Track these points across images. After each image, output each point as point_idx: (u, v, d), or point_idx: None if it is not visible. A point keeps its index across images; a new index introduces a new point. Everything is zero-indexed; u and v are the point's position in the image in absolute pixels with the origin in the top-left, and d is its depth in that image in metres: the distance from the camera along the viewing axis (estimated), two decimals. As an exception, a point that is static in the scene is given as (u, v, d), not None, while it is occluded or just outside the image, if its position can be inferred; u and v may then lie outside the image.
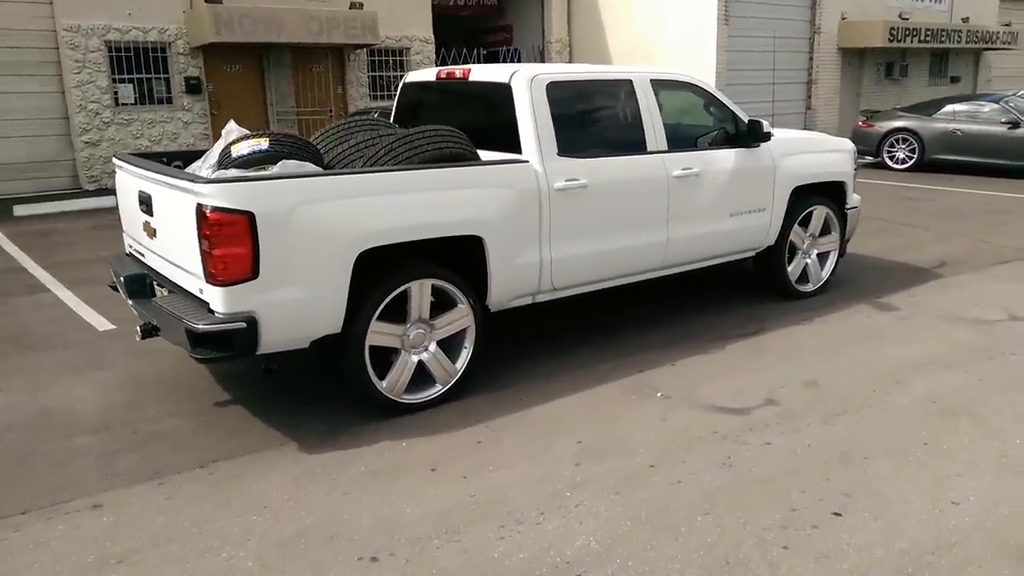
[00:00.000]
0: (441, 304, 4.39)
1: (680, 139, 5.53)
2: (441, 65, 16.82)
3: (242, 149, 4.37)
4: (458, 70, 5.23)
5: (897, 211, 10.47)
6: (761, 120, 5.69)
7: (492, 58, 17.71)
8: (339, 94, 14.72)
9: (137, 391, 4.68)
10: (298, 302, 3.82)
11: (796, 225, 6.18)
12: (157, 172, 4.04)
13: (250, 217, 3.62)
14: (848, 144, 6.64)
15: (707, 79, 15.63)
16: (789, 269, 6.25)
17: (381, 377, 4.20)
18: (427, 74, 5.56)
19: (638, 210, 5.14)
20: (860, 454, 3.68)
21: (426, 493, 3.44)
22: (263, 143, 4.35)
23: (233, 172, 4.11)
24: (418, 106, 5.70)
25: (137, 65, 12.55)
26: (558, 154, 4.74)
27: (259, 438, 4.07)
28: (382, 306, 4.10)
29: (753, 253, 6.09)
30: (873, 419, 4.06)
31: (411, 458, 3.79)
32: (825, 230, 6.49)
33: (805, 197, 6.22)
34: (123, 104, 12.51)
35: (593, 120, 5.11)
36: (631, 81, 5.21)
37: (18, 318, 6.18)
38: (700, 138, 5.66)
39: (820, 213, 6.33)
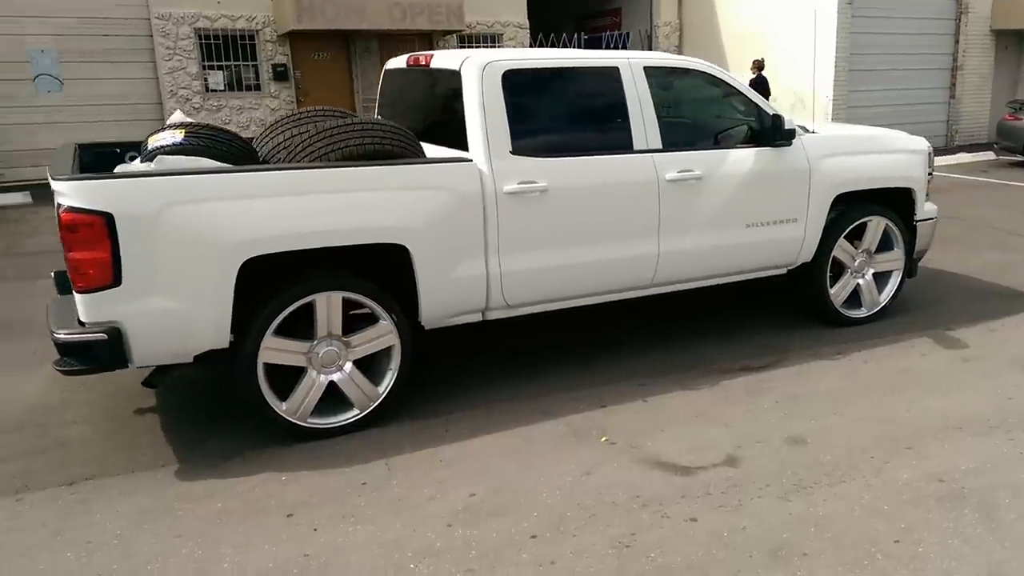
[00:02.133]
0: (368, 319, 3.91)
1: (686, 136, 4.73)
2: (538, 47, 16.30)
3: (160, 140, 4.05)
4: (424, 56, 4.69)
5: (1027, 221, 8.94)
6: (782, 115, 4.77)
7: (594, 43, 16.92)
8: (428, 81, 14.44)
9: (73, 391, 4.50)
10: (171, 313, 3.44)
11: (842, 239, 5.21)
12: (50, 166, 3.78)
13: (108, 218, 3.26)
14: (920, 143, 5.53)
15: (826, 65, 14.21)
16: (832, 291, 5.28)
17: (286, 396, 3.78)
18: (402, 61, 5.05)
19: (617, 218, 4.41)
20: (802, 548, 2.86)
21: (260, 547, 2.97)
22: (178, 135, 4.01)
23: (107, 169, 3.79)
24: (394, 95, 5.20)
25: (226, 52, 12.82)
26: (512, 152, 4.11)
27: (150, 455, 3.75)
28: (278, 320, 3.66)
29: (784, 270, 5.17)
30: (847, 498, 3.19)
31: (279, 497, 3.33)
32: (885, 245, 5.45)
33: (856, 206, 5.23)
34: (213, 91, 12.82)
35: (564, 114, 4.40)
36: (617, 69, 4.47)
37: (26, 303, 6.24)
38: (720, 135, 4.82)
39: (877, 225, 5.30)
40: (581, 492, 3.29)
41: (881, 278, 5.51)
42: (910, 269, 5.64)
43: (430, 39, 14.28)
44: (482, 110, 4.08)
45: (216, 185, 3.47)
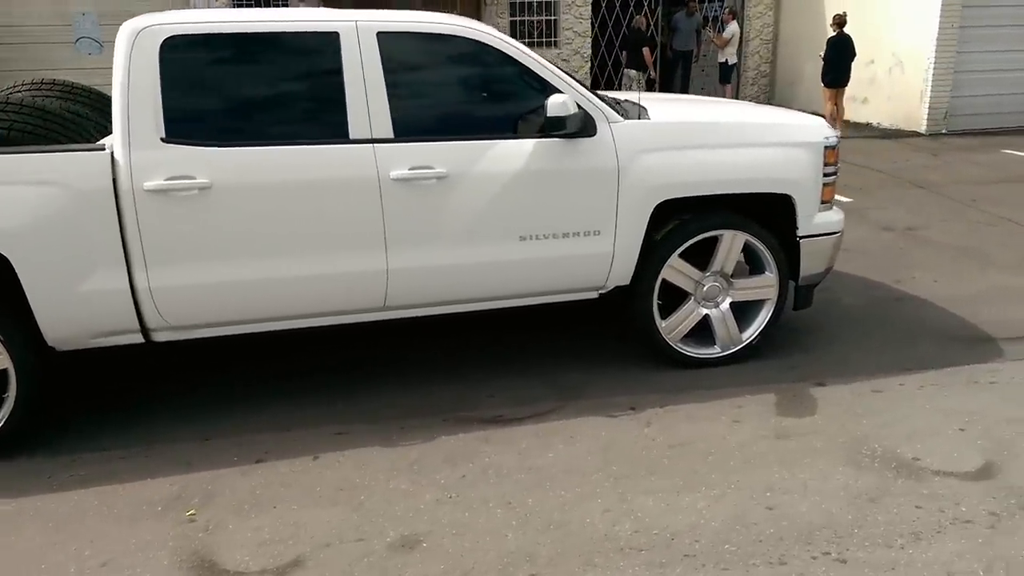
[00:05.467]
0: None
1: (436, 123, 3.73)
2: (598, 8, 14.82)
3: None
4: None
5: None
6: (564, 96, 3.63)
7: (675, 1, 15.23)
8: (473, 41, 13.56)
9: None
10: None
11: (677, 258, 4.02)
12: None
13: None
14: (809, 133, 4.14)
15: (929, 20, 11.85)
16: (664, 323, 4.11)
17: None
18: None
19: (320, 225, 3.55)
20: None
21: None
22: None
23: None
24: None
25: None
26: (165, 140, 3.37)
27: None
28: None
29: (594, 294, 4.07)
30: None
31: None
32: (756, 267, 4.20)
33: (701, 216, 4.02)
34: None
35: (251, 93, 3.54)
36: (335, 35, 3.55)
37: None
38: (493, 123, 3.80)
39: (732, 241, 4.06)
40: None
41: (750, 309, 4.26)
42: (799, 298, 4.34)
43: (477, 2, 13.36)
44: (125, 87, 3.35)
45: None
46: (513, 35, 13.71)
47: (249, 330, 3.70)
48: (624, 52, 13.75)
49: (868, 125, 13.04)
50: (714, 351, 4.22)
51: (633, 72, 13.25)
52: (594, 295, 4.08)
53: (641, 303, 4.05)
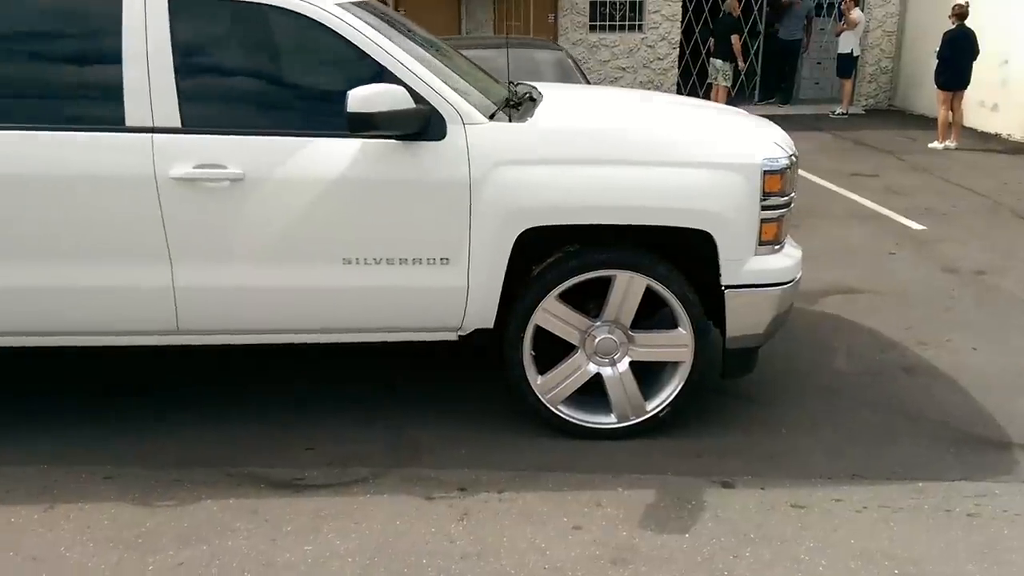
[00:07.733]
0: None
1: (243, 113, 3.05)
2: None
3: None
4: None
5: None
6: (378, 87, 2.79)
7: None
8: (549, 23, 12.72)
9: None
10: None
11: (555, 299, 3.13)
12: None
13: None
14: (744, 149, 3.09)
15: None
16: (540, 380, 3.23)
17: None
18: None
19: (89, 228, 2.94)
20: None
21: None
22: None
23: None
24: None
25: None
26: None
27: None
28: None
29: (452, 336, 3.24)
30: None
31: None
32: (666, 320, 3.24)
33: (585, 251, 3.12)
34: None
35: (7, 67, 2.95)
36: (117, 1, 2.90)
37: None
38: (315, 117, 3.06)
39: (628, 286, 3.11)
40: None
41: (660, 372, 3.30)
42: (729, 363, 3.32)
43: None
44: None
45: None
46: (592, 18, 12.76)
47: (30, 343, 3.16)
48: (712, 39, 12.45)
49: (996, 136, 11.16)
50: (609, 420, 3.30)
51: (719, 62, 11.96)
52: (452, 337, 3.26)
53: (510, 353, 3.19)
